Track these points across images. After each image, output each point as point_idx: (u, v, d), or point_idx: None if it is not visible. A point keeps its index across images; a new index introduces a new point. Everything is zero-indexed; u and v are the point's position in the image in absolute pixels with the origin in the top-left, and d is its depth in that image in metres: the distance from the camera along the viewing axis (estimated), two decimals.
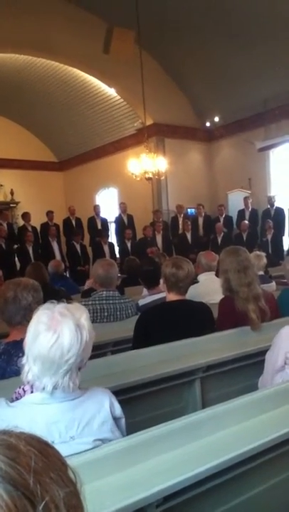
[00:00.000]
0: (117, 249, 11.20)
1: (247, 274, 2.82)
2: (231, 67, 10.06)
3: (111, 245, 10.94)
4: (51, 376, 1.33)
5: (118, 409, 1.51)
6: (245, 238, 10.11)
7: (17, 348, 2.13)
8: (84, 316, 1.40)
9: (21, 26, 9.55)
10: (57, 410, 1.38)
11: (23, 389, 1.49)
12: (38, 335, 1.34)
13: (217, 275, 3.59)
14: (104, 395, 1.51)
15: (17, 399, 1.48)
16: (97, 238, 10.85)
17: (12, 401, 1.46)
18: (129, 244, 10.57)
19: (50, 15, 9.90)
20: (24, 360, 1.38)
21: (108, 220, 11.97)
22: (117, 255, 10.73)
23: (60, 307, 1.39)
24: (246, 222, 10.45)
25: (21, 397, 1.47)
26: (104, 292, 3.39)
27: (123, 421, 1.54)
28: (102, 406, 1.46)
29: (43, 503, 0.48)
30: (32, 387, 1.42)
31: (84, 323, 1.38)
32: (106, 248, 10.59)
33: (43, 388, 1.36)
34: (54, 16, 9.93)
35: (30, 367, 1.35)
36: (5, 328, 2.36)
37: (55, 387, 1.35)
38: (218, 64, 10.21)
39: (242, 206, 10.96)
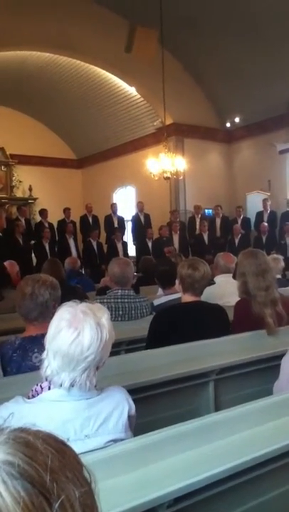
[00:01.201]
0: (133, 247, 11.21)
1: (265, 278, 2.79)
2: (253, 67, 9.97)
3: (124, 244, 10.95)
4: (69, 372, 1.36)
5: (133, 408, 1.53)
6: (264, 240, 10.02)
7: (33, 343, 2.15)
8: (105, 317, 1.43)
9: (43, 24, 9.62)
10: (73, 408, 1.39)
11: (40, 386, 1.51)
12: (60, 331, 1.37)
13: (234, 277, 3.57)
14: (120, 394, 1.53)
15: (33, 396, 1.50)
16: (112, 236, 10.90)
17: (29, 398, 1.49)
18: (150, 244, 10.55)
19: (72, 13, 9.95)
20: (44, 355, 1.41)
21: (125, 219, 11.99)
22: (131, 254, 10.75)
23: (83, 306, 1.42)
24: (266, 224, 10.35)
25: (38, 394, 1.49)
26: (120, 291, 3.40)
27: (134, 420, 1.56)
28: (118, 405, 1.48)
29: (59, 501, 0.49)
30: (50, 383, 1.44)
31: (105, 323, 1.40)
32: (120, 246, 10.61)
33: (61, 384, 1.38)
34: (76, 14, 9.97)
35: (50, 362, 1.38)
36: (21, 323, 2.38)
37: (72, 384, 1.37)
38: (240, 64, 10.12)
39: (260, 208, 10.86)
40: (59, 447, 0.54)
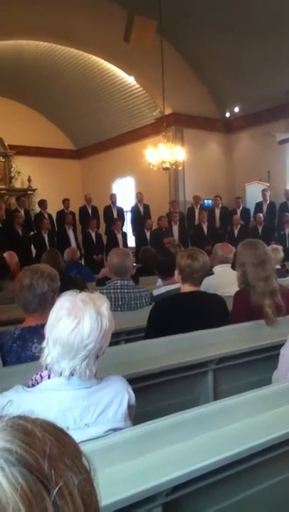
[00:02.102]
0: (132, 238, 11.19)
1: (264, 268, 2.79)
2: (253, 57, 9.88)
3: (124, 234, 10.94)
4: (69, 360, 1.36)
5: (133, 398, 1.54)
6: (260, 231, 10.02)
7: (32, 334, 2.16)
8: (105, 305, 1.43)
9: (41, 13, 9.51)
10: (73, 397, 1.40)
11: (40, 375, 1.52)
12: (60, 320, 1.37)
13: (233, 267, 3.57)
14: (120, 383, 1.53)
15: (33, 385, 1.51)
16: (111, 227, 10.88)
17: (29, 387, 1.49)
18: (148, 234, 10.53)
19: (70, 2, 9.83)
20: (44, 343, 1.42)
21: (124, 210, 11.96)
22: (130, 244, 10.73)
23: (82, 295, 1.43)
24: (261, 215, 10.35)
25: (38, 383, 1.50)
26: (119, 281, 3.40)
27: (134, 409, 1.57)
28: (117, 395, 1.49)
29: (57, 488, 0.49)
30: (49, 372, 1.45)
31: (104, 312, 1.41)
32: (119, 237, 10.59)
33: (61, 373, 1.38)
34: (74, 3, 9.86)
35: (50, 350, 1.38)
36: (20, 314, 2.38)
37: (72, 373, 1.38)
38: (239, 54, 10.04)
39: (260, 199, 10.83)
40: (58, 435, 0.54)
